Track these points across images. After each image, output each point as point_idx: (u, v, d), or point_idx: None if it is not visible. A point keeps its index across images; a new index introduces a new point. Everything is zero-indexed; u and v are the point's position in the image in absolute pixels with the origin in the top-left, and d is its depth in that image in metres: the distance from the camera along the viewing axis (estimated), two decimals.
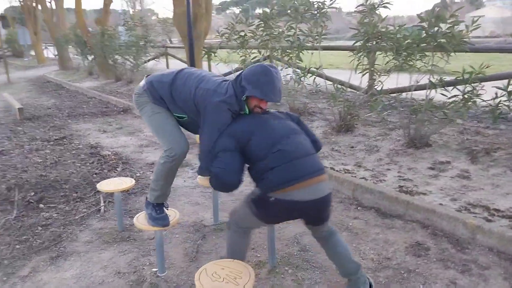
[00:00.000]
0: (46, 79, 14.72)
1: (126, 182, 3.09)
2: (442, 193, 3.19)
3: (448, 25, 3.59)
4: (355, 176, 3.61)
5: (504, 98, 3.46)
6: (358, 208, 3.28)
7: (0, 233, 3.15)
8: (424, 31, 3.69)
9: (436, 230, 2.82)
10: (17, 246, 2.95)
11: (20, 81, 14.70)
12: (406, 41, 3.84)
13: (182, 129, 2.37)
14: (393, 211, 3.12)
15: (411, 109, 4.06)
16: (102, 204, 3.61)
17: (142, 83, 2.37)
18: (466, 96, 3.69)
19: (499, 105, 3.49)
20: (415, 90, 4.30)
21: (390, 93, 4.88)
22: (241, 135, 2.04)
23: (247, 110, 2.14)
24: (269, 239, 2.50)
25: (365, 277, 2.12)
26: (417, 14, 3.77)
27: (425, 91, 4.06)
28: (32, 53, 24.87)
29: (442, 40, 3.60)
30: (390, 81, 4.52)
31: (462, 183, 3.32)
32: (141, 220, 2.45)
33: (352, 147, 4.42)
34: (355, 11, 4.94)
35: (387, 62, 4.16)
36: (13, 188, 3.97)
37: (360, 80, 4.71)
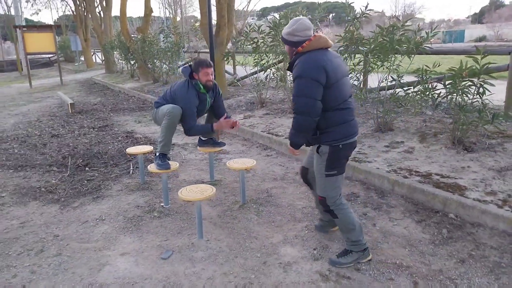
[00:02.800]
0: (94, 81, 16.52)
1: (146, 148, 4.24)
2: (384, 162, 4.09)
3: (401, 33, 4.47)
4: None
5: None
6: None
7: (58, 184, 4.40)
8: (383, 38, 4.58)
9: (370, 186, 3.75)
10: (70, 191, 4.17)
11: (71, 83, 16.61)
12: (372, 46, 4.74)
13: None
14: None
15: (377, 101, 4.94)
16: (131, 168, 4.79)
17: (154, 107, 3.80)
18: (419, 90, 4.52)
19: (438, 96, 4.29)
20: (389, 89, 5.13)
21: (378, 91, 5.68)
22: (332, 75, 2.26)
23: (201, 88, 3.52)
24: (241, 184, 3.55)
25: None
26: (376, 24, 4.68)
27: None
28: (82, 58, 27.26)
29: (397, 45, 4.48)
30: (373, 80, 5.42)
31: (404, 156, 4.19)
32: (152, 167, 3.58)
33: None
34: (345, 21, 5.85)
35: (358, 63, 5.07)
36: (67, 157, 5.26)
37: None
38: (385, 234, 2.94)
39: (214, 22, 9.03)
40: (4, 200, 3.99)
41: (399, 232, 2.94)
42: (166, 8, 40.83)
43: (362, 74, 5.50)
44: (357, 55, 5.28)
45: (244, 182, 3.56)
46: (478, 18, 60.12)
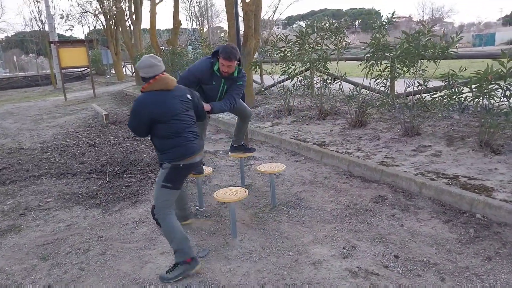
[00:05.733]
0: (125, 93, 17.17)
1: None
2: (411, 165, 4.16)
3: (427, 38, 4.55)
4: (351, 156, 4.67)
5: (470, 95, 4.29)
6: (349, 177, 4.36)
7: (98, 189, 4.69)
8: (408, 44, 4.66)
9: (397, 188, 3.83)
10: (110, 196, 4.45)
11: (103, 95, 17.32)
12: (398, 52, 4.83)
13: None
14: (372, 178, 4.15)
15: (403, 106, 5.01)
16: None
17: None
18: (445, 94, 4.56)
19: (464, 100, 4.32)
20: (416, 94, 5.18)
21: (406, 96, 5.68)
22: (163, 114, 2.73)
23: (216, 68, 3.53)
24: (272, 188, 3.71)
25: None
26: (401, 30, 4.76)
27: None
28: (113, 71, 28.28)
29: (423, 51, 4.55)
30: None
31: (431, 159, 4.25)
32: None
33: (360, 137, 5.45)
34: (371, 28, 5.94)
35: (385, 69, 5.16)
36: (105, 165, 5.58)
37: (373, 84, 5.69)
38: (413, 233, 3.02)
39: (241, 32, 9.28)
40: (50, 205, 4.31)
41: (427, 232, 3.02)
42: (193, 20, 41.82)
43: (389, 80, 5.59)
44: (383, 61, 5.38)
45: (274, 186, 3.73)
46: (510, 20, 58.36)
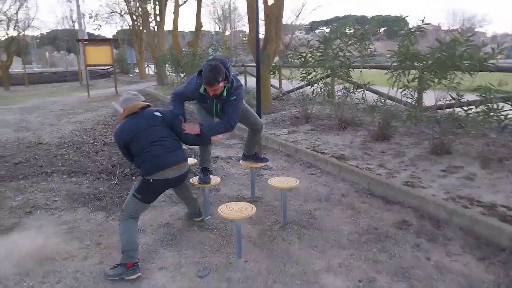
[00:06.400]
0: (146, 92, 17.16)
1: (191, 160, 4.23)
2: (440, 188, 3.77)
3: (464, 48, 4.15)
4: (373, 173, 4.31)
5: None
6: (369, 196, 4.00)
7: (106, 191, 4.49)
8: (442, 53, 4.27)
9: (423, 213, 3.46)
10: (116, 199, 4.24)
11: (125, 93, 17.40)
12: (429, 62, 4.45)
13: None
14: (395, 199, 3.79)
15: (433, 120, 4.61)
16: None
17: None
18: (481, 110, 4.15)
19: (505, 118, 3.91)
20: (448, 108, 4.75)
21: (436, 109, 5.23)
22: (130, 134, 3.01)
23: (202, 89, 3.27)
24: (283, 204, 3.41)
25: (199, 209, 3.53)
26: (435, 38, 4.38)
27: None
28: (136, 70, 28.60)
29: (459, 62, 4.16)
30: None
31: (464, 182, 3.84)
32: (194, 180, 3.56)
33: (383, 152, 5.08)
34: (397, 36, 5.58)
35: (413, 80, 4.78)
36: (116, 166, 5.40)
37: (400, 95, 5.31)
38: (441, 270, 2.65)
39: (262, 36, 9.04)
40: (57, 204, 4.14)
41: (458, 269, 2.65)
42: (216, 22, 41.95)
43: (416, 91, 5.21)
44: (412, 71, 5.00)
45: (285, 202, 3.42)
46: None
